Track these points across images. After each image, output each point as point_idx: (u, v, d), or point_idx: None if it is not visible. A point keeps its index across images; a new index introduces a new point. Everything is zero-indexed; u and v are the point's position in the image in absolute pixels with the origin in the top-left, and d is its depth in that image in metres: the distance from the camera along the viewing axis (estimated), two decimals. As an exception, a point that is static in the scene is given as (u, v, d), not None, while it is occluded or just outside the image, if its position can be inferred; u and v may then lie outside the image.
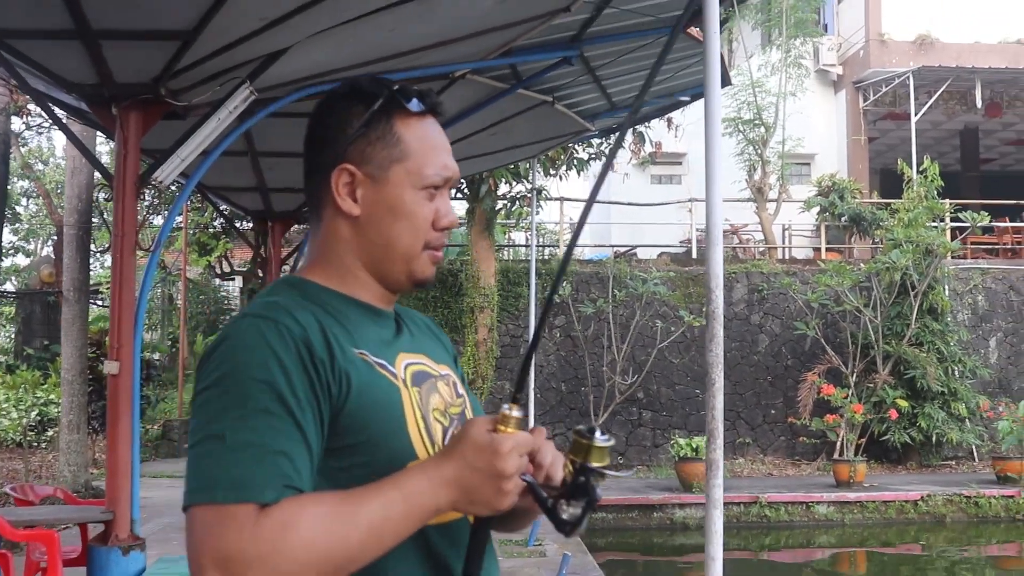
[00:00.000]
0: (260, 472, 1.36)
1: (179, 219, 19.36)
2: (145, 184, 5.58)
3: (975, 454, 17.22)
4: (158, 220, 20.53)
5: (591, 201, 1.66)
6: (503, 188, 15.98)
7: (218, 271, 20.74)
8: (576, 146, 15.14)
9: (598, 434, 1.50)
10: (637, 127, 15.16)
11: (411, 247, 1.63)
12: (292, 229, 11.79)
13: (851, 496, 14.03)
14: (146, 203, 18.52)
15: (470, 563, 1.52)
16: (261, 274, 11.09)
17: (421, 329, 1.79)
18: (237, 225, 15.47)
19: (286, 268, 11.22)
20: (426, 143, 1.64)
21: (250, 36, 5.16)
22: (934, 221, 17.70)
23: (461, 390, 1.76)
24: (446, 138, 1.70)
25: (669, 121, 18.08)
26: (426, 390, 1.64)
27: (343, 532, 1.37)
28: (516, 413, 1.46)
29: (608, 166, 1.83)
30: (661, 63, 1.78)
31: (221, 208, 14.06)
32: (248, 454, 1.37)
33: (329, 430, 1.46)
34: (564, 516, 1.47)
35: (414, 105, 1.64)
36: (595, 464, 1.49)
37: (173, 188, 12.43)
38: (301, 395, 1.42)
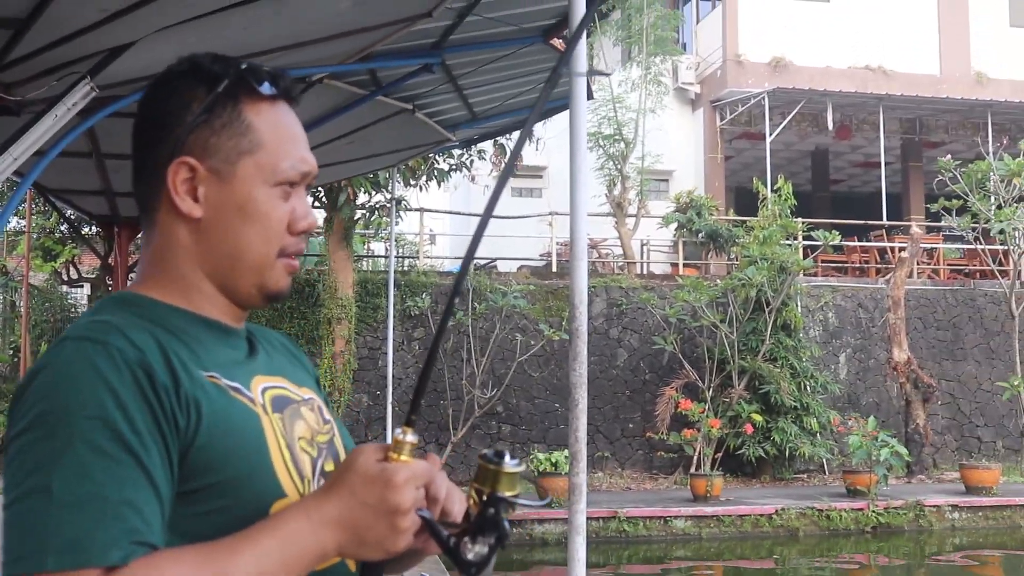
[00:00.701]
0: (102, 528, 1.11)
1: (22, 223, 18.51)
2: (-30, 184, 5.18)
3: (826, 467, 17.60)
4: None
5: (487, 216, 1.44)
6: (362, 198, 15.69)
7: (64, 277, 19.89)
8: (437, 156, 14.97)
9: (507, 458, 1.30)
10: (498, 139, 15.07)
11: (263, 255, 1.39)
12: (140, 235, 11.30)
13: (708, 510, 14.15)
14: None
15: None
16: (110, 281, 10.61)
17: (277, 349, 1.53)
18: (84, 231, 14.83)
19: (134, 276, 10.76)
20: (280, 132, 1.40)
21: (90, 28, 4.82)
22: (788, 239, 18.08)
23: (327, 415, 1.51)
24: (302, 128, 1.45)
25: (530, 134, 18.06)
26: (289, 416, 1.40)
27: None
28: (410, 438, 1.26)
29: (507, 177, 1.57)
30: (554, 84, 1.58)
31: (66, 213, 13.46)
32: (84, 508, 1.11)
33: (179, 471, 1.21)
34: (469, 556, 1.26)
35: (266, 88, 1.39)
36: (505, 493, 1.28)
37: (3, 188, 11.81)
38: (143, 430, 1.17)
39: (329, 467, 1.43)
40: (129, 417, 1.18)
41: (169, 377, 1.23)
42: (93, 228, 14.26)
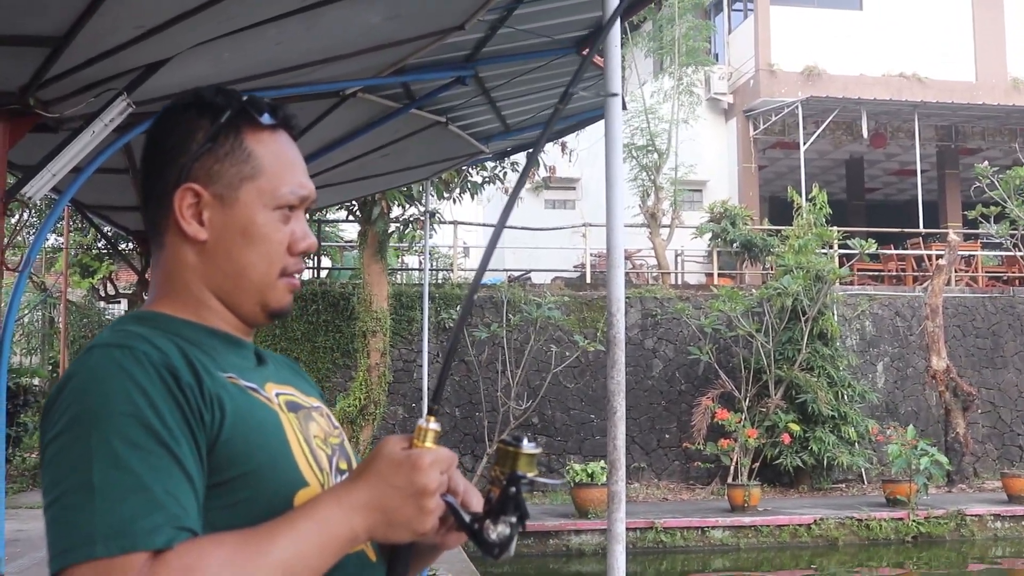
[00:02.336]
0: (145, 515, 1.17)
1: (60, 240, 18.72)
2: (11, 200, 5.24)
3: (864, 477, 17.46)
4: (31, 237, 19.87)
5: (500, 226, 1.56)
6: (396, 211, 15.75)
7: (102, 293, 20.09)
8: (470, 169, 15.00)
9: (525, 441, 1.38)
10: (531, 151, 15.09)
11: (266, 275, 1.47)
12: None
13: (746, 520, 14.07)
14: (23, 222, 17.88)
15: None
16: (146, 297, 10.69)
17: (282, 364, 1.62)
18: (121, 246, 14.97)
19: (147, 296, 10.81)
20: (280, 159, 1.49)
21: (127, 44, 4.88)
22: (823, 248, 17.98)
23: (335, 423, 1.60)
24: (300, 155, 1.54)
25: (563, 146, 18.08)
26: (303, 417, 1.48)
27: (254, 573, 1.20)
28: (433, 426, 1.35)
29: (516, 193, 1.69)
30: (569, 96, 1.67)
31: (104, 229, 13.59)
32: (126, 497, 1.17)
33: (207, 465, 1.28)
34: (492, 536, 1.33)
35: (266, 119, 1.49)
36: (525, 471, 1.37)
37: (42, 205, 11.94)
38: (173, 425, 1.24)
39: (343, 465, 1.52)
40: (159, 413, 1.24)
41: (192, 377, 1.30)
42: (130, 244, 14.39)
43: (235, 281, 1.46)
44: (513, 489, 1.34)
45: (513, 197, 1.65)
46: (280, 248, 1.48)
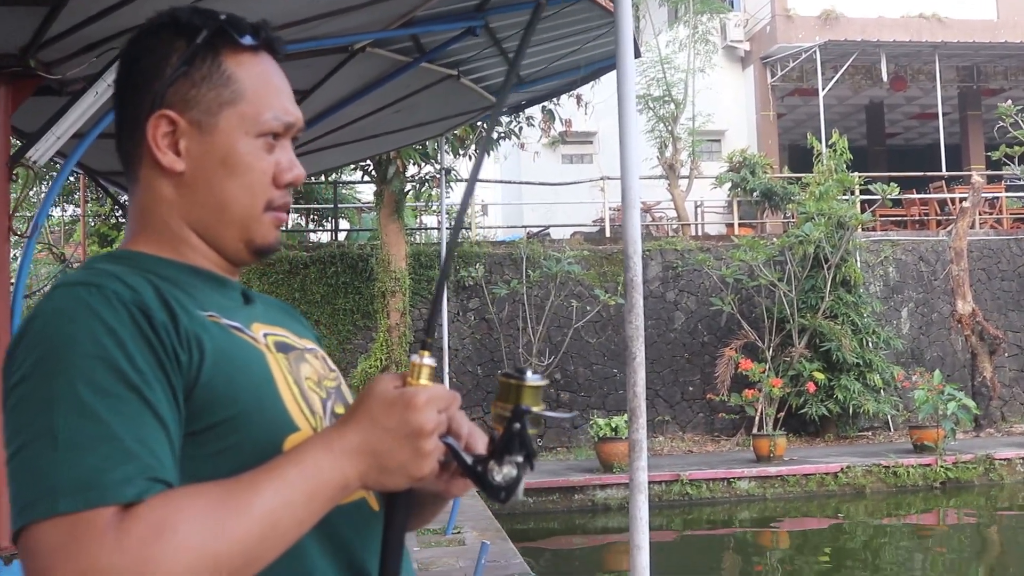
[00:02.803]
0: (113, 466, 1.06)
1: (78, 211, 18.70)
2: (16, 164, 5.15)
3: (891, 424, 17.34)
4: (55, 211, 19.87)
5: (473, 181, 1.47)
6: (412, 170, 15.64)
7: (121, 263, 20.10)
8: (484, 125, 14.84)
9: (529, 372, 1.26)
10: (546, 104, 14.90)
11: (249, 208, 1.36)
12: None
13: (772, 471, 14.00)
14: (40, 193, 17.86)
15: (388, 554, 1.27)
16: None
17: (272, 306, 1.49)
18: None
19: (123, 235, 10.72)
20: (263, 83, 1.37)
21: (127, 1, 4.77)
22: (844, 194, 17.76)
23: (332, 365, 1.48)
24: (285, 79, 1.41)
25: (579, 99, 17.88)
26: (294, 359, 1.36)
27: (235, 528, 1.09)
28: (427, 361, 1.24)
29: (486, 145, 1.59)
30: (532, 28, 1.55)
31: (120, 198, 13.53)
32: (93, 448, 1.06)
33: (185, 410, 1.17)
34: (497, 479, 1.23)
35: (247, 39, 1.36)
36: (530, 405, 1.24)
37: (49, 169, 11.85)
38: (144, 368, 1.13)
39: (340, 409, 1.40)
40: (129, 355, 1.13)
41: (167, 315, 1.19)
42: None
43: (216, 215, 1.35)
44: (517, 425, 1.23)
45: (486, 146, 1.53)
46: (264, 179, 1.36)
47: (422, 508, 1.43)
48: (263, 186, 1.36)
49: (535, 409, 1.24)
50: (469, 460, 1.24)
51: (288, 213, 1.42)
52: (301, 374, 1.35)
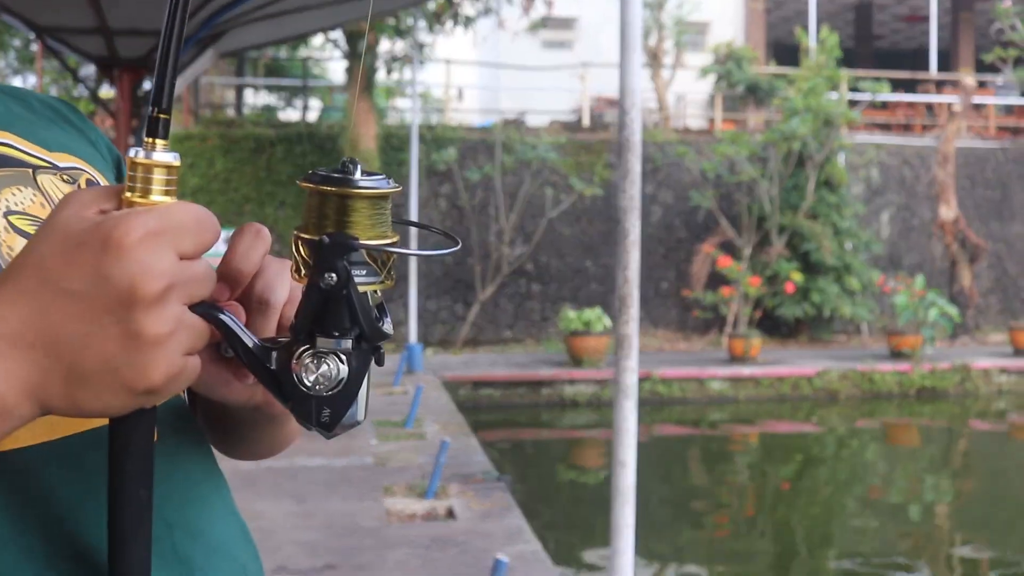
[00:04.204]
0: None
1: (34, 83, 17.85)
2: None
3: (863, 329, 17.00)
4: (16, 80, 19.00)
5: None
6: (386, 46, 14.90)
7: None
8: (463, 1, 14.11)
9: (359, 171, 0.66)
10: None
11: None
12: (143, 79, 10.46)
13: (745, 372, 13.63)
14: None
15: (121, 526, 0.67)
16: (113, 133, 9.91)
17: (32, 109, 0.90)
18: (102, 91, 14.06)
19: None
20: None
21: None
22: (832, 92, 17.15)
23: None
24: None
25: None
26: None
27: None
28: (161, 157, 0.64)
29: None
30: None
31: (73, 70, 12.69)
32: None
33: None
34: (306, 380, 0.66)
35: None
36: (360, 235, 0.65)
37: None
38: None
39: None
40: None
41: None
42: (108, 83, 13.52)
43: None
44: (334, 277, 0.65)
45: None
46: None
47: (238, 429, 0.87)
48: None
49: (373, 242, 0.66)
50: (251, 343, 0.68)
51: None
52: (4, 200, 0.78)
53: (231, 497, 0.85)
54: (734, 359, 14.17)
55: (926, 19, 23.65)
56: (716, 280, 15.29)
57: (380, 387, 11.26)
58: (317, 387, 0.66)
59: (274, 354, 0.68)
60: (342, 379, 0.66)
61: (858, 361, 14.18)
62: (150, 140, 0.64)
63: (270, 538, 5.73)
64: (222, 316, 0.67)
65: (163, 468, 0.71)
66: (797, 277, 15.15)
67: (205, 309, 0.65)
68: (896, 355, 14.37)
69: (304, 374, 0.66)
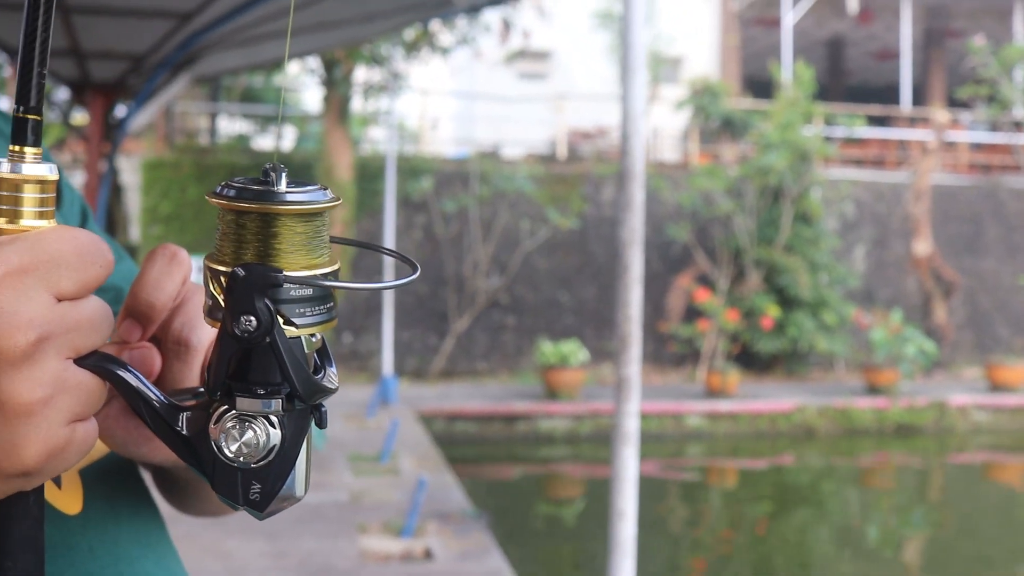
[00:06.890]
0: None
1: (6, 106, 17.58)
2: None
3: (837, 364, 16.93)
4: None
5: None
6: (363, 75, 14.78)
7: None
8: (439, 29, 14.02)
9: (283, 179, 0.56)
10: (505, 13, 14.10)
11: None
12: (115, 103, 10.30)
13: (723, 407, 13.51)
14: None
15: None
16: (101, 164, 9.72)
17: None
18: (74, 117, 13.87)
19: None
20: None
21: None
22: (807, 126, 17.19)
23: None
24: None
25: (540, 8, 17.09)
26: None
27: None
28: (35, 169, 0.50)
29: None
30: None
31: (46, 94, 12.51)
32: None
33: None
34: (227, 451, 0.52)
35: None
36: (289, 265, 0.53)
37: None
38: None
39: None
40: None
41: None
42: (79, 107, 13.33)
43: None
44: (250, 320, 0.51)
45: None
46: None
47: (185, 487, 0.75)
48: None
49: (302, 272, 0.53)
50: (157, 401, 0.53)
51: None
52: None
53: (180, 569, 0.71)
54: (711, 393, 14.06)
55: (897, 56, 23.79)
56: (692, 313, 15.20)
57: (354, 420, 11.07)
58: (241, 458, 0.52)
59: (184, 415, 0.53)
60: (273, 447, 0.52)
61: (835, 395, 14.09)
62: (17, 148, 0.50)
63: (242, 579, 5.54)
64: (117, 370, 0.52)
65: (86, 544, 0.58)
66: (774, 311, 15.08)
67: (96, 362, 0.51)
68: (873, 390, 14.30)
69: (225, 441, 0.52)
